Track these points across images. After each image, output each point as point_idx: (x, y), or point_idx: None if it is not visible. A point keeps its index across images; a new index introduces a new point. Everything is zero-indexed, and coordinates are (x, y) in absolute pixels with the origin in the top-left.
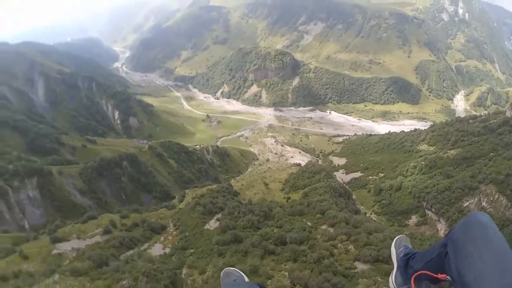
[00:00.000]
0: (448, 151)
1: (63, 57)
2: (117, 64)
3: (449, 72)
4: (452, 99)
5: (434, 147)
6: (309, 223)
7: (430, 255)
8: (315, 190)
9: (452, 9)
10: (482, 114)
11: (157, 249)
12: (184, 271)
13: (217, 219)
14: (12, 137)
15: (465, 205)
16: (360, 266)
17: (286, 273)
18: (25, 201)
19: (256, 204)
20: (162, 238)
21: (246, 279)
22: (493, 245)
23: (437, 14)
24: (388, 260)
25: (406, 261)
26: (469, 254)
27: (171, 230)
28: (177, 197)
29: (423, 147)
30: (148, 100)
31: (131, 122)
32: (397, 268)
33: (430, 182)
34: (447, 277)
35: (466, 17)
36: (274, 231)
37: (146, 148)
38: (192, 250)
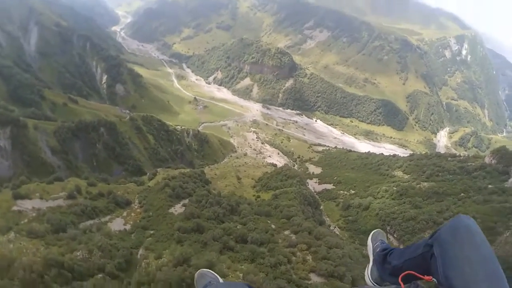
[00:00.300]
0: (422, 182)
1: (64, 11)
2: (116, 28)
3: (439, 107)
4: (436, 134)
5: (408, 175)
6: (273, 226)
7: (412, 253)
8: (285, 194)
9: (456, 48)
10: (461, 154)
11: (117, 224)
12: (141, 251)
13: (184, 205)
14: None
15: (426, 236)
16: (315, 279)
17: (241, 275)
18: None
19: (224, 196)
20: (125, 213)
21: (221, 281)
22: (481, 252)
23: (440, 50)
24: (342, 278)
25: (384, 256)
26: (457, 259)
27: (136, 207)
28: (148, 174)
29: (398, 173)
30: (139, 70)
31: (117, 89)
32: (373, 262)
33: (397, 209)
34: (433, 279)
35: (468, 59)
36: (238, 227)
37: (127, 119)
38: (152, 232)
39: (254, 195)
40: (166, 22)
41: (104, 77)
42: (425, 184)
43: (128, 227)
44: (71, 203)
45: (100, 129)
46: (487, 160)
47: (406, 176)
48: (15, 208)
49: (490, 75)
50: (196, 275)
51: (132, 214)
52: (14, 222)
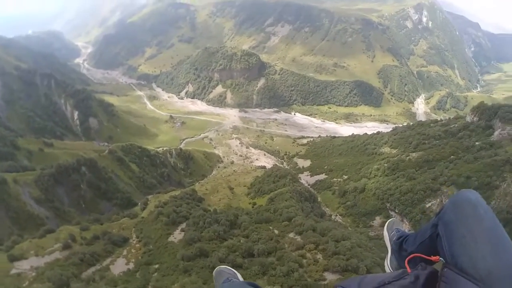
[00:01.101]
0: (410, 154)
1: (22, 52)
2: (78, 60)
3: (410, 77)
4: (413, 103)
5: (396, 150)
6: (276, 231)
7: (422, 236)
8: (280, 195)
9: (416, 17)
10: (441, 117)
11: (119, 265)
12: None
13: (182, 230)
14: None
15: (427, 206)
16: (330, 277)
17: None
18: None
19: (221, 212)
20: (124, 252)
21: (239, 276)
22: (484, 224)
23: (401, 22)
24: (357, 270)
25: (400, 244)
26: (462, 235)
27: (134, 242)
28: (139, 204)
29: (386, 149)
30: (109, 99)
31: (90, 123)
32: (391, 252)
33: (393, 184)
34: (440, 258)
35: (430, 25)
36: (241, 241)
37: (106, 152)
38: (156, 266)
39: (250, 203)
40: (127, 45)
41: (75, 114)
42: (414, 154)
43: (131, 266)
44: (68, 253)
45: (81, 168)
46: (468, 118)
47: (394, 151)
48: (13, 271)
49: (454, 37)
50: (214, 272)
51: (132, 250)
52: (16, 287)
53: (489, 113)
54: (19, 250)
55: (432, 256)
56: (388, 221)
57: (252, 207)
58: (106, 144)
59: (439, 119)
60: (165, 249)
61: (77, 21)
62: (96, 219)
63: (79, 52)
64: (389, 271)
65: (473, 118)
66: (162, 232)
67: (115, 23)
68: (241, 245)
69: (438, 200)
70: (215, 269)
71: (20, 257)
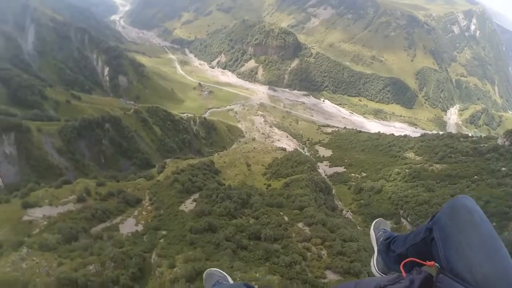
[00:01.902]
0: (434, 164)
1: (59, 4)
2: (115, 17)
3: (448, 84)
4: (446, 111)
5: (420, 157)
6: (286, 218)
7: (414, 239)
8: (296, 181)
9: (464, 24)
10: (472, 132)
11: (129, 225)
12: (154, 256)
13: (194, 200)
14: None
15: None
16: (330, 276)
17: (256, 287)
18: (0, 157)
19: (235, 188)
20: (136, 212)
21: (230, 280)
22: (480, 231)
23: (448, 25)
24: (358, 275)
25: (387, 245)
26: (458, 241)
27: (146, 204)
28: (157, 166)
29: (410, 155)
30: (141, 59)
31: (120, 81)
32: (378, 252)
33: (410, 192)
34: (435, 264)
35: (477, 34)
36: (250, 222)
37: (131, 112)
38: (164, 232)
39: (265, 184)
40: (164, 7)
41: (106, 70)
42: (438, 166)
43: (140, 227)
44: (81, 206)
45: (105, 125)
46: (500, 141)
47: (418, 158)
48: (25, 218)
49: (500, 52)
50: (204, 274)
51: (144, 212)
52: (26, 234)
53: None
54: (34, 197)
55: (427, 261)
56: (375, 221)
57: (266, 188)
58: (132, 103)
59: (470, 134)
60: (175, 217)
61: None
62: (113, 175)
63: (116, 9)
64: (375, 272)
65: (504, 141)
66: (175, 199)
67: None
68: (250, 226)
69: None
70: (205, 272)
71: (34, 205)
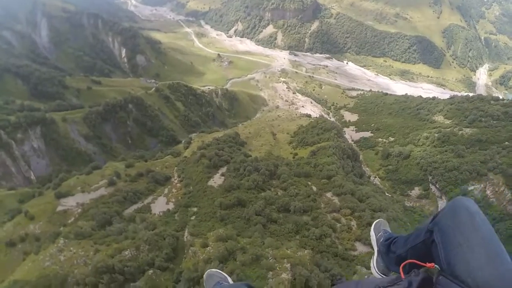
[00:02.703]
0: (464, 128)
1: None
2: None
3: (477, 43)
4: (475, 71)
5: (450, 121)
6: (314, 188)
7: (414, 240)
8: (323, 149)
9: None
10: (503, 93)
11: (160, 204)
12: (186, 235)
13: (222, 174)
14: (15, 84)
15: (469, 188)
16: (360, 248)
17: (288, 265)
18: (29, 152)
19: (262, 160)
20: (166, 191)
21: (230, 281)
22: (481, 233)
23: None
24: None
25: (388, 246)
26: (458, 244)
27: (175, 181)
28: (183, 142)
29: (439, 118)
30: (157, 36)
31: (138, 60)
32: (377, 253)
33: (439, 158)
34: (435, 266)
35: None
36: (279, 194)
37: (153, 90)
38: (195, 209)
39: (291, 153)
40: None
41: (123, 51)
42: (468, 130)
43: (171, 206)
44: (113, 190)
45: (128, 106)
46: None
47: (447, 122)
48: (60, 208)
49: None
50: (204, 276)
51: (173, 190)
52: (62, 224)
53: None
54: (66, 187)
55: (427, 263)
56: (375, 221)
57: (293, 158)
58: (153, 81)
59: (500, 96)
60: (204, 193)
61: None
62: (141, 155)
63: None
64: (375, 272)
65: None
66: (203, 175)
67: None
68: (279, 199)
69: (482, 185)
70: (205, 273)
71: (67, 194)
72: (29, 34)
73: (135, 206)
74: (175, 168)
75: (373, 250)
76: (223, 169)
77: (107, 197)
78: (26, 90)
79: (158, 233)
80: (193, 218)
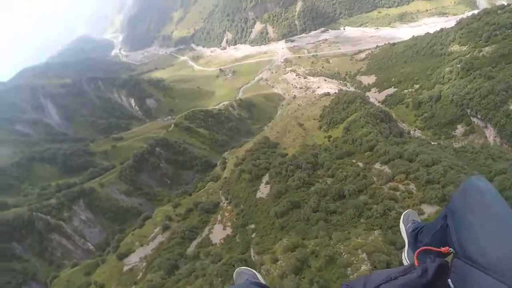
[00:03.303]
0: (483, 48)
1: (61, 69)
2: (115, 51)
3: None
4: None
5: (466, 46)
6: (360, 164)
7: (435, 227)
8: (354, 122)
9: None
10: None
11: (218, 231)
12: (253, 255)
13: (266, 183)
14: (44, 169)
15: (511, 107)
16: (428, 209)
17: (364, 255)
18: (80, 226)
19: (299, 154)
20: (219, 217)
21: (259, 277)
22: (492, 210)
23: None
24: None
25: (415, 236)
26: (469, 224)
27: (225, 205)
28: (218, 164)
29: (455, 47)
30: (157, 74)
31: (148, 104)
32: (408, 244)
33: (470, 87)
34: (449, 249)
35: None
36: (328, 183)
37: (172, 127)
38: (252, 226)
39: (325, 137)
40: (153, 17)
41: (131, 101)
42: (488, 49)
43: (228, 231)
44: (169, 234)
45: (156, 150)
46: None
47: (464, 48)
48: (125, 268)
49: None
50: (234, 274)
51: (226, 214)
52: (132, 282)
53: None
54: (125, 245)
55: (442, 248)
56: (404, 213)
57: (328, 141)
58: (169, 117)
59: (505, 3)
60: (256, 207)
61: (96, 17)
62: (184, 191)
63: (112, 44)
64: (406, 263)
65: None
66: (248, 190)
67: (134, 3)
68: (330, 188)
69: None
70: (235, 271)
71: (128, 252)
72: (40, 119)
73: (195, 242)
74: (220, 191)
75: (404, 242)
76: (266, 177)
77: (166, 243)
78: (56, 170)
79: (226, 262)
80: (253, 235)
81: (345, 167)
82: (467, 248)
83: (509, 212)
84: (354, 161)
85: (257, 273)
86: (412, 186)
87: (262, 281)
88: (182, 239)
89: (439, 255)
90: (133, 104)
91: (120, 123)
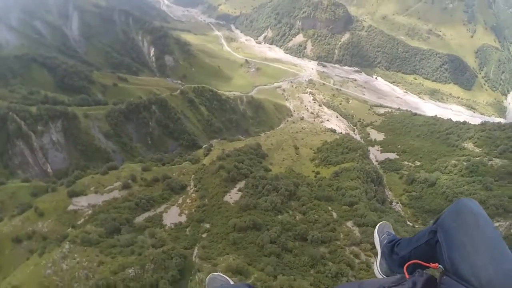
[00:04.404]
0: (494, 158)
1: None
2: None
3: (510, 65)
4: (506, 95)
5: (480, 149)
6: (334, 214)
7: (418, 241)
8: (347, 171)
9: None
10: None
11: (173, 214)
12: (195, 256)
13: (239, 189)
14: (41, 74)
15: (495, 225)
16: None
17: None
18: (48, 145)
19: (282, 177)
20: (180, 200)
21: (232, 283)
22: (485, 234)
23: None
24: None
25: (391, 247)
26: (462, 243)
27: (191, 191)
28: (203, 147)
29: (469, 145)
30: (187, 37)
31: (166, 60)
32: (381, 255)
33: (466, 188)
34: (439, 266)
35: None
36: (297, 218)
37: (178, 92)
38: (207, 226)
39: (313, 171)
40: None
41: (152, 50)
42: (498, 161)
43: (183, 218)
44: (126, 193)
45: (152, 107)
46: None
47: (477, 150)
48: (71, 207)
49: None
50: (207, 279)
51: (188, 200)
52: (71, 224)
53: None
54: (80, 185)
55: (431, 263)
56: (379, 223)
57: (315, 177)
58: (179, 82)
59: None
60: (219, 209)
61: None
62: (159, 158)
63: None
64: (378, 274)
65: None
66: (219, 188)
67: None
68: (296, 225)
69: (508, 223)
70: (208, 276)
71: (80, 193)
72: (60, 26)
73: (146, 214)
74: (192, 176)
75: (377, 252)
76: (241, 184)
77: (120, 201)
78: (52, 81)
79: (166, 251)
80: (204, 235)
81: (319, 211)
82: (459, 266)
83: (499, 236)
84: (330, 208)
85: (230, 280)
86: (373, 260)
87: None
88: (136, 205)
89: (425, 269)
90: (152, 54)
91: (132, 66)
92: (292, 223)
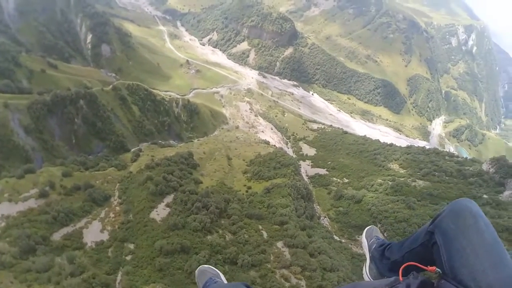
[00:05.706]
0: (417, 180)
1: None
2: None
3: (437, 95)
4: (431, 121)
5: (405, 170)
6: (265, 234)
7: (411, 244)
8: (278, 188)
9: (463, 37)
10: (454, 145)
11: (94, 230)
12: (118, 283)
13: (167, 205)
14: None
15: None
16: None
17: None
18: None
19: (213, 193)
20: (102, 214)
21: (222, 277)
22: (484, 236)
23: (447, 36)
24: None
25: (381, 251)
26: (462, 247)
27: (115, 203)
28: (132, 151)
29: (395, 166)
30: (129, 27)
31: (102, 50)
32: (370, 259)
33: (391, 207)
34: (436, 269)
35: (474, 50)
36: (227, 238)
37: (110, 88)
38: (131, 246)
39: (245, 185)
40: None
41: (89, 37)
42: (421, 182)
43: (105, 235)
44: (43, 203)
45: (79, 101)
46: (484, 167)
47: (402, 171)
48: None
49: (493, 71)
50: (196, 272)
51: (111, 214)
52: None
53: (507, 170)
54: None
55: (428, 266)
56: (367, 228)
57: (246, 191)
58: (114, 75)
59: (453, 149)
60: (144, 227)
61: None
62: (82, 161)
63: None
64: (367, 279)
65: (489, 168)
66: (146, 203)
67: None
68: (226, 247)
69: None
70: (197, 268)
71: None
72: None
73: (65, 230)
74: (118, 185)
75: (365, 257)
76: (170, 198)
77: (36, 213)
78: None
79: (86, 279)
80: (128, 258)
81: (249, 230)
82: (458, 270)
83: (499, 242)
84: (260, 227)
85: (220, 273)
86: (303, 283)
87: (225, 281)
88: (53, 219)
89: (420, 271)
90: (88, 41)
91: (65, 51)
92: (222, 245)
